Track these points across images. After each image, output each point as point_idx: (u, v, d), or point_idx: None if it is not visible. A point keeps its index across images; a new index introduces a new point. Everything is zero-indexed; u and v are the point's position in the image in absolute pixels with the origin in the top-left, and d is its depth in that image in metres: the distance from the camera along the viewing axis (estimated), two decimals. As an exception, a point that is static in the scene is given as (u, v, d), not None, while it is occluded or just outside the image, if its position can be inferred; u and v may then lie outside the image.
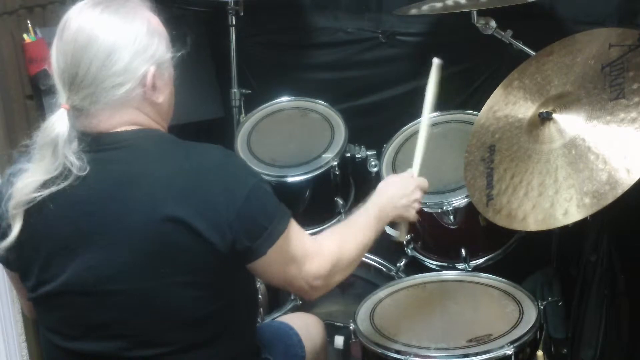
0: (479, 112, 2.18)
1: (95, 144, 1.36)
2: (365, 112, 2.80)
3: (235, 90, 2.66)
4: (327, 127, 2.47)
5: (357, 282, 2.28)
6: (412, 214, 1.75)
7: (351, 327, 1.95)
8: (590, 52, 1.91)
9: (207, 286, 1.37)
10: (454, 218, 2.13)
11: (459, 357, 1.73)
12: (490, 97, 2.10)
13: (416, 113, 2.43)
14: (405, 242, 2.27)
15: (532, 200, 1.77)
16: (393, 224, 1.84)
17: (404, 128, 2.41)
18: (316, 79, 2.85)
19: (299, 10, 2.82)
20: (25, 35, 2.36)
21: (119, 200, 1.34)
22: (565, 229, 1.79)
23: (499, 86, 2.09)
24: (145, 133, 1.41)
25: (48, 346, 1.47)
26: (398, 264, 2.30)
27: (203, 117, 2.82)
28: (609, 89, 1.77)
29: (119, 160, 1.37)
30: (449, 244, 2.23)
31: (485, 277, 2.03)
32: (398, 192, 1.75)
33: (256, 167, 2.32)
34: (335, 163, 2.32)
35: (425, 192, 2.03)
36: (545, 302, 2.01)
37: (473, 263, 2.18)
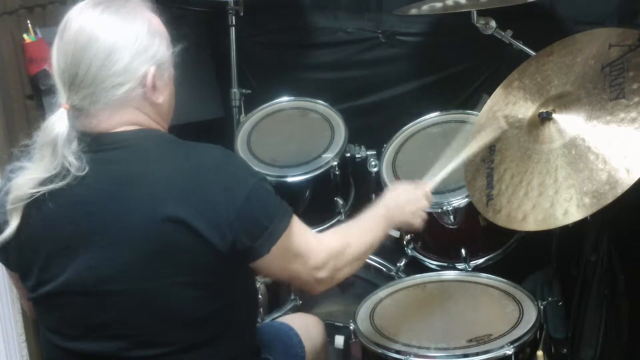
0: (479, 112, 2.18)
1: (95, 144, 1.36)
2: (365, 112, 2.80)
3: (235, 90, 2.66)
4: (327, 127, 2.47)
5: (357, 282, 2.28)
6: (417, 222, 1.76)
7: (351, 327, 1.95)
8: (590, 52, 1.91)
9: (207, 286, 1.37)
10: (454, 218, 2.13)
11: (459, 357, 1.73)
12: (491, 98, 2.10)
13: (416, 113, 2.45)
14: (404, 242, 2.28)
15: (532, 200, 1.77)
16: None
17: (404, 128, 2.41)
18: (316, 79, 2.85)
19: (299, 10, 2.82)
20: (25, 35, 2.36)
21: (119, 200, 1.34)
22: (565, 229, 1.79)
23: (499, 86, 2.09)
24: (146, 133, 1.41)
25: (48, 346, 1.47)
26: (398, 264, 2.30)
27: (203, 117, 2.83)
28: (609, 89, 1.77)
29: (119, 160, 1.37)
30: (449, 244, 2.23)
31: (485, 277, 2.03)
32: (406, 197, 1.77)
33: (256, 167, 2.32)
34: (335, 163, 2.32)
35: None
36: (545, 302, 2.01)
37: (473, 263, 2.18)
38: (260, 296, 2.22)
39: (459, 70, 2.66)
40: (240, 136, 2.48)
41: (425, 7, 2.33)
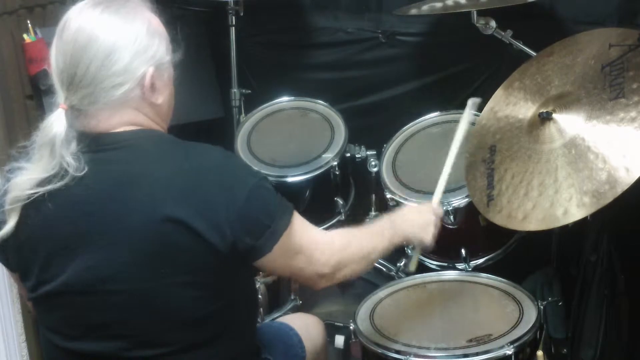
0: (479, 112, 2.18)
1: (94, 144, 1.36)
2: (365, 112, 2.80)
3: (235, 90, 2.67)
4: (327, 127, 2.47)
5: (357, 282, 2.28)
6: (428, 237, 1.75)
7: (351, 327, 1.95)
8: (590, 52, 1.91)
9: (207, 286, 1.37)
10: (454, 218, 2.13)
11: (459, 357, 1.73)
12: (492, 98, 2.10)
13: (416, 113, 2.45)
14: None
15: (532, 200, 1.77)
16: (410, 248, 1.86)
17: (404, 128, 2.41)
18: (316, 79, 2.85)
19: (299, 10, 2.82)
20: (25, 35, 2.36)
21: (118, 201, 1.34)
22: (565, 228, 1.79)
23: (500, 87, 2.09)
24: (145, 133, 1.41)
25: (48, 346, 1.47)
26: (398, 264, 2.30)
27: (203, 117, 2.83)
28: (609, 88, 1.77)
29: (118, 161, 1.37)
30: (449, 244, 2.22)
31: (485, 277, 2.03)
32: (414, 211, 1.82)
33: (256, 167, 2.32)
34: (335, 163, 2.32)
35: (425, 192, 2.05)
36: (545, 302, 2.02)
37: (473, 263, 2.18)
38: (260, 296, 2.22)
39: (459, 70, 2.66)
40: (240, 136, 2.48)
41: (425, 7, 2.33)
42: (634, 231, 2.13)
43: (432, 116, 2.42)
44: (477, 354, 1.72)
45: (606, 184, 1.63)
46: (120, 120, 1.39)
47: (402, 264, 2.29)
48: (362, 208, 2.47)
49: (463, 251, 2.17)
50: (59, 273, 1.37)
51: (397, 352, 1.76)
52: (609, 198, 1.62)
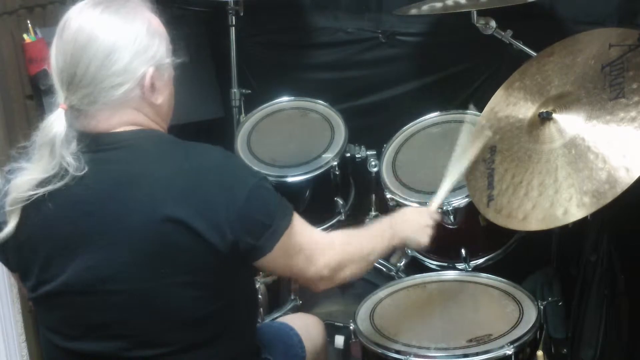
0: (479, 112, 2.18)
1: (94, 144, 1.36)
2: (365, 112, 2.80)
3: (235, 90, 2.66)
4: (327, 127, 2.47)
5: (357, 282, 2.28)
6: (425, 239, 1.76)
7: (351, 327, 1.95)
8: (590, 52, 1.91)
9: (207, 286, 1.37)
10: (454, 218, 2.13)
11: (459, 357, 1.73)
12: (492, 98, 2.10)
13: (416, 113, 2.45)
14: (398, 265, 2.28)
15: (532, 200, 1.77)
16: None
17: (404, 128, 2.41)
18: (316, 79, 2.85)
19: (299, 10, 2.82)
20: (25, 35, 2.36)
21: (118, 201, 1.34)
22: (565, 228, 1.79)
23: (501, 87, 2.09)
24: (145, 133, 1.41)
25: (48, 346, 1.47)
26: (398, 264, 2.30)
27: (203, 117, 2.83)
28: (609, 88, 1.77)
29: (118, 161, 1.37)
30: (449, 244, 2.22)
31: (485, 277, 2.03)
32: (412, 213, 1.83)
33: (256, 167, 2.32)
34: (335, 163, 2.32)
35: (425, 192, 2.05)
36: (545, 302, 2.01)
37: (473, 263, 2.18)
38: (260, 296, 2.22)
39: (459, 70, 2.66)
40: (240, 136, 2.48)
41: (425, 7, 2.33)
42: (634, 231, 2.13)
43: (432, 116, 2.42)
44: (477, 354, 1.72)
45: (606, 184, 1.63)
46: (120, 120, 1.38)
47: (401, 263, 2.29)
48: (362, 208, 2.47)
49: (463, 251, 2.17)
50: (59, 273, 1.37)
51: (397, 352, 1.76)
52: (608, 198, 1.62)
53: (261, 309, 2.20)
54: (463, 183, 2.07)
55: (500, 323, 1.82)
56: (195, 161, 1.37)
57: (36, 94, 2.39)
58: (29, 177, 1.35)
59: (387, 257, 2.24)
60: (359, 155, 2.41)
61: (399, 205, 2.18)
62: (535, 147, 1.86)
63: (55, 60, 1.37)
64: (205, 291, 1.37)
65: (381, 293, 2.04)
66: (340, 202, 2.38)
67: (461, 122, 2.36)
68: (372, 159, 2.37)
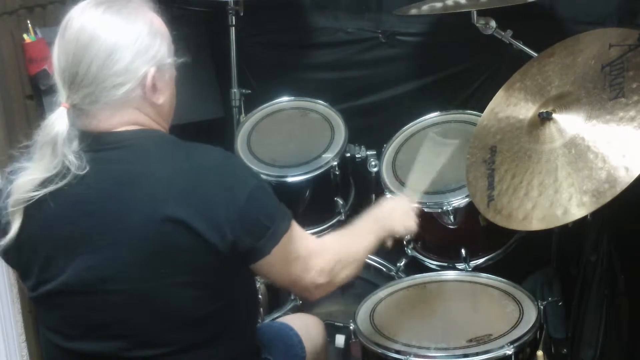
0: (479, 112, 2.18)
1: (95, 143, 1.36)
2: (365, 112, 2.80)
3: (235, 90, 2.67)
4: (327, 127, 2.47)
5: (357, 282, 2.28)
6: (412, 223, 1.78)
7: (351, 327, 1.95)
8: (590, 52, 1.91)
9: (207, 286, 1.37)
10: (454, 218, 2.13)
11: (459, 357, 1.73)
12: (493, 99, 2.10)
13: (416, 113, 2.45)
14: (404, 242, 2.28)
15: (532, 200, 1.77)
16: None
17: (404, 128, 2.41)
18: (316, 79, 2.85)
19: (299, 10, 2.82)
20: (25, 35, 2.36)
21: (119, 200, 1.34)
22: (565, 228, 1.79)
23: (502, 88, 2.09)
24: (146, 133, 1.41)
25: (48, 346, 1.47)
26: (398, 264, 2.30)
27: (203, 117, 2.83)
28: (609, 88, 1.77)
29: (119, 160, 1.37)
30: (449, 244, 2.23)
31: (485, 277, 2.03)
32: (390, 202, 1.85)
33: (256, 167, 2.32)
34: (335, 163, 2.32)
35: (425, 192, 2.05)
36: (545, 302, 2.01)
37: (473, 263, 2.18)
38: (260, 296, 2.22)
39: (459, 70, 2.66)
40: (240, 136, 2.48)
41: (425, 7, 2.33)
42: (634, 231, 2.13)
43: (432, 116, 2.42)
44: (477, 354, 1.72)
45: (606, 183, 1.63)
46: (121, 119, 1.39)
47: (401, 263, 2.29)
48: (362, 208, 2.46)
49: (463, 251, 2.17)
50: (59, 273, 1.37)
51: (397, 352, 1.76)
52: (608, 197, 1.62)
53: (261, 309, 2.20)
54: (463, 183, 2.07)
55: (500, 323, 1.82)
56: (196, 161, 1.37)
57: (36, 94, 2.39)
58: (30, 176, 1.35)
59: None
60: (359, 155, 2.41)
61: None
62: (535, 147, 1.86)
63: (57, 60, 1.37)
64: (205, 291, 1.37)
65: (381, 293, 2.04)
66: (340, 202, 2.38)
67: (461, 122, 2.37)
68: (372, 159, 2.37)
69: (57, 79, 1.37)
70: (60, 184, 1.34)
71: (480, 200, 1.93)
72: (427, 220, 2.19)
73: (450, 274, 2.11)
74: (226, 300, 1.41)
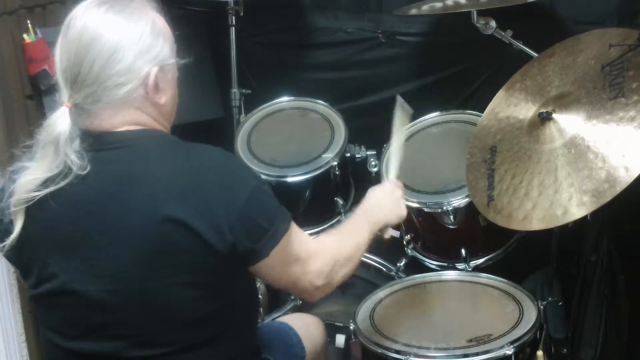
0: (479, 112, 2.18)
1: (97, 143, 1.36)
2: (365, 112, 2.80)
3: (235, 90, 2.67)
4: (327, 127, 2.47)
5: (357, 282, 2.28)
6: (403, 211, 1.77)
7: (351, 327, 1.95)
8: (590, 53, 1.91)
9: (207, 286, 1.37)
10: (454, 218, 2.13)
11: (459, 357, 1.73)
12: (493, 99, 2.10)
13: (416, 113, 2.45)
14: (404, 242, 2.28)
15: (532, 200, 1.77)
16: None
17: (404, 128, 2.41)
18: (316, 79, 2.85)
19: (299, 10, 2.83)
20: (25, 35, 2.36)
21: (119, 200, 1.34)
22: (565, 228, 1.79)
23: (502, 88, 2.09)
24: (148, 133, 1.41)
25: (48, 346, 1.47)
26: (398, 264, 2.30)
27: (203, 117, 2.83)
28: (609, 88, 1.77)
29: (120, 160, 1.37)
30: (449, 244, 2.23)
31: (485, 277, 2.03)
32: (378, 194, 1.79)
33: (256, 167, 2.32)
34: (335, 163, 2.32)
35: (425, 192, 2.05)
36: (545, 302, 2.01)
37: (473, 263, 2.18)
38: (260, 296, 2.22)
39: (459, 70, 2.66)
40: (240, 136, 2.48)
41: (425, 7, 2.33)
42: (634, 231, 2.13)
43: (432, 116, 2.42)
44: (477, 354, 1.72)
45: (605, 183, 1.63)
46: (123, 119, 1.39)
47: (401, 263, 2.29)
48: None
49: (463, 251, 2.17)
50: (59, 272, 1.37)
51: (397, 352, 1.76)
52: (608, 197, 1.62)
53: (261, 309, 2.20)
54: (463, 183, 2.07)
55: (500, 323, 1.82)
56: (196, 161, 1.37)
57: (36, 94, 2.39)
58: (32, 176, 1.35)
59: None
60: (359, 155, 2.41)
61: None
62: (536, 147, 1.86)
63: (59, 59, 1.37)
64: (205, 291, 1.37)
65: (381, 293, 2.04)
66: (340, 202, 2.38)
67: (461, 122, 2.37)
68: (372, 159, 2.38)
69: (59, 78, 1.37)
70: (62, 183, 1.34)
71: (480, 200, 1.93)
72: (427, 220, 2.19)
73: (450, 274, 2.11)
74: (226, 300, 1.41)
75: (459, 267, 2.17)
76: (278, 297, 2.42)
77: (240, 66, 2.68)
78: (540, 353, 1.82)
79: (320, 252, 1.52)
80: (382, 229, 1.74)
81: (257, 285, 2.18)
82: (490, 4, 2.21)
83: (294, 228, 1.45)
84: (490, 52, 2.50)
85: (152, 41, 1.38)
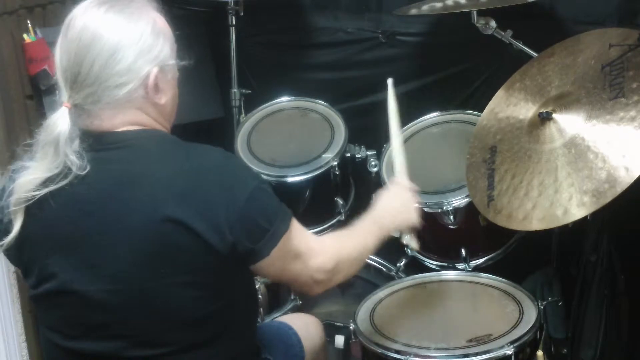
0: (479, 112, 2.18)
1: (97, 143, 1.36)
2: (365, 112, 2.79)
3: (235, 90, 2.67)
4: (327, 127, 2.47)
5: (357, 282, 2.28)
6: (414, 216, 1.75)
7: (351, 327, 1.95)
8: (590, 53, 1.91)
9: (207, 286, 1.37)
10: (454, 218, 2.13)
11: (459, 357, 1.73)
12: (493, 99, 2.10)
13: (416, 113, 2.45)
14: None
15: (532, 200, 1.77)
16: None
17: (404, 128, 2.41)
18: (316, 79, 2.85)
19: (299, 10, 2.82)
20: (25, 35, 2.36)
21: (119, 200, 1.34)
22: (565, 228, 1.79)
23: (501, 88, 2.09)
24: (148, 133, 1.41)
25: (48, 345, 1.47)
26: (398, 264, 2.30)
27: (203, 117, 2.83)
28: (609, 88, 1.77)
29: (119, 160, 1.37)
30: (449, 244, 2.23)
31: (485, 277, 2.03)
32: (389, 197, 1.78)
33: (256, 167, 2.32)
34: (335, 163, 2.32)
35: (425, 192, 2.05)
36: (545, 302, 2.01)
37: (473, 263, 2.18)
38: (260, 296, 2.22)
39: (459, 70, 2.66)
40: (240, 136, 2.48)
41: (425, 7, 2.33)
42: (634, 231, 2.13)
43: (432, 116, 2.42)
44: (477, 354, 1.72)
45: (606, 183, 1.63)
46: (123, 119, 1.39)
47: (401, 263, 2.29)
48: (362, 208, 2.46)
49: (463, 251, 2.17)
50: (59, 272, 1.37)
51: (397, 352, 1.76)
52: (608, 197, 1.62)
53: (261, 309, 2.20)
54: (463, 183, 2.07)
55: (500, 323, 1.82)
56: (196, 161, 1.37)
57: (36, 94, 2.39)
58: (32, 176, 1.35)
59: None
60: (359, 155, 2.41)
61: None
62: (536, 147, 1.86)
63: (59, 59, 1.37)
64: (205, 291, 1.37)
65: (381, 293, 2.04)
66: (340, 202, 2.38)
67: (461, 122, 2.37)
68: (372, 159, 2.37)
69: (59, 78, 1.37)
70: (62, 183, 1.34)
71: (480, 200, 1.93)
72: (427, 220, 2.19)
73: (450, 274, 2.11)
74: (226, 300, 1.41)
75: (459, 267, 2.17)
76: (278, 297, 2.42)
77: (240, 66, 2.68)
78: (540, 353, 1.82)
79: (322, 249, 1.52)
80: (395, 232, 1.72)
81: (257, 286, 2.19)
82: (490, 4, 2.21)
83: (295, 225, 1.45)
84: (490, 52, 2.49)
85: (152, 41, 1.38)
